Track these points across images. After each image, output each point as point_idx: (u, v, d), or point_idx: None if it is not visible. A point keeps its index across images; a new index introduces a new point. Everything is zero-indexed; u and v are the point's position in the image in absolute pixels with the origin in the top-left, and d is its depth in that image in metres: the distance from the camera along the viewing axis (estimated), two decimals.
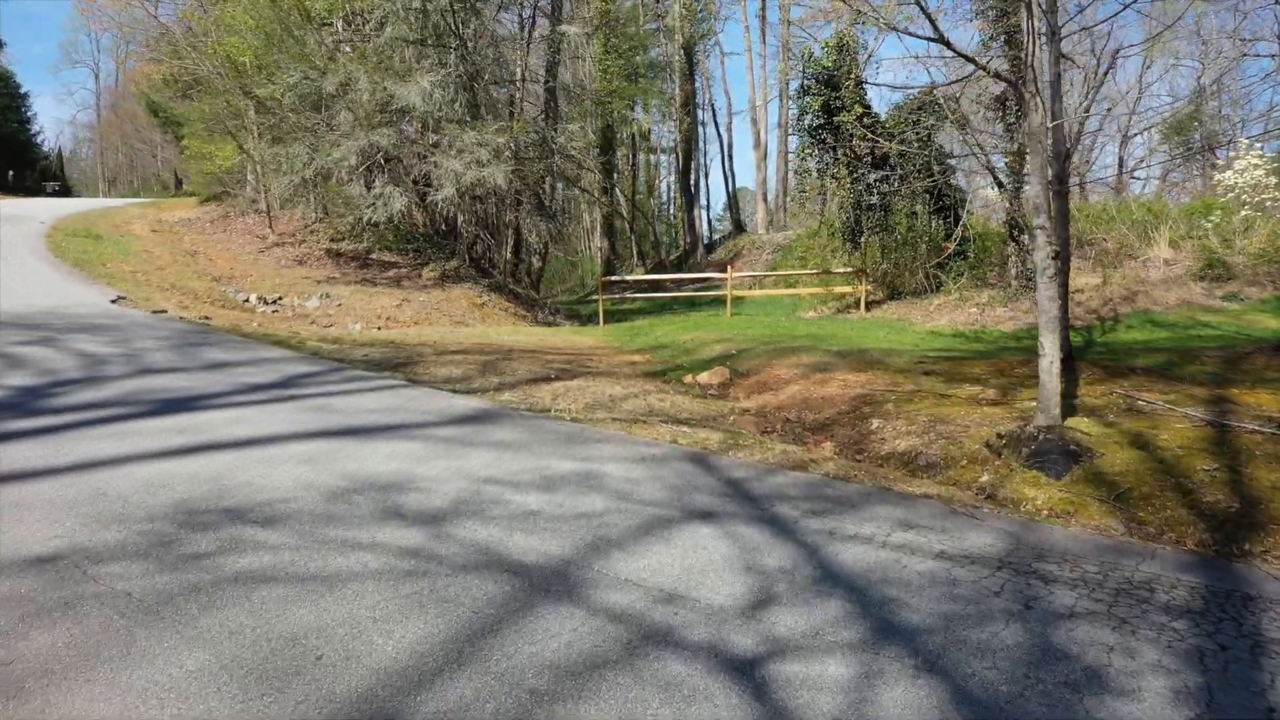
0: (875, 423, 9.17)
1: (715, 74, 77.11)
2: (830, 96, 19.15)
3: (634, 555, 4.41)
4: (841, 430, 9.31)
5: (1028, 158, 8.21)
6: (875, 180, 20.32)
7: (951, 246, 17.22)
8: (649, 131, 53.32)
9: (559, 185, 39.88)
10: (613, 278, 25.18)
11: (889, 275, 21.18)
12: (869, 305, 20.69)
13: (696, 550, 4.54)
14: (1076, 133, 11.01)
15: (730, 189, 41.84)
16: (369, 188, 18.00)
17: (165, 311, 12.33)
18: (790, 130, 45.97)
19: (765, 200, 44.72)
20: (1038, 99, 7.89)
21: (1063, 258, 10.98)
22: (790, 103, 47.33)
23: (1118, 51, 10.59)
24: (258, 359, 9.04)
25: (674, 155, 53.02)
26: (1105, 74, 10.70)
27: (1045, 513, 6.70)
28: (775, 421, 9.59)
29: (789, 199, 40.32)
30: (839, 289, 21.16)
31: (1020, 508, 6.74)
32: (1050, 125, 9.00)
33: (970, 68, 15.41)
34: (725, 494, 5.61)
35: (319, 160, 17.89)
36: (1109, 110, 31.93)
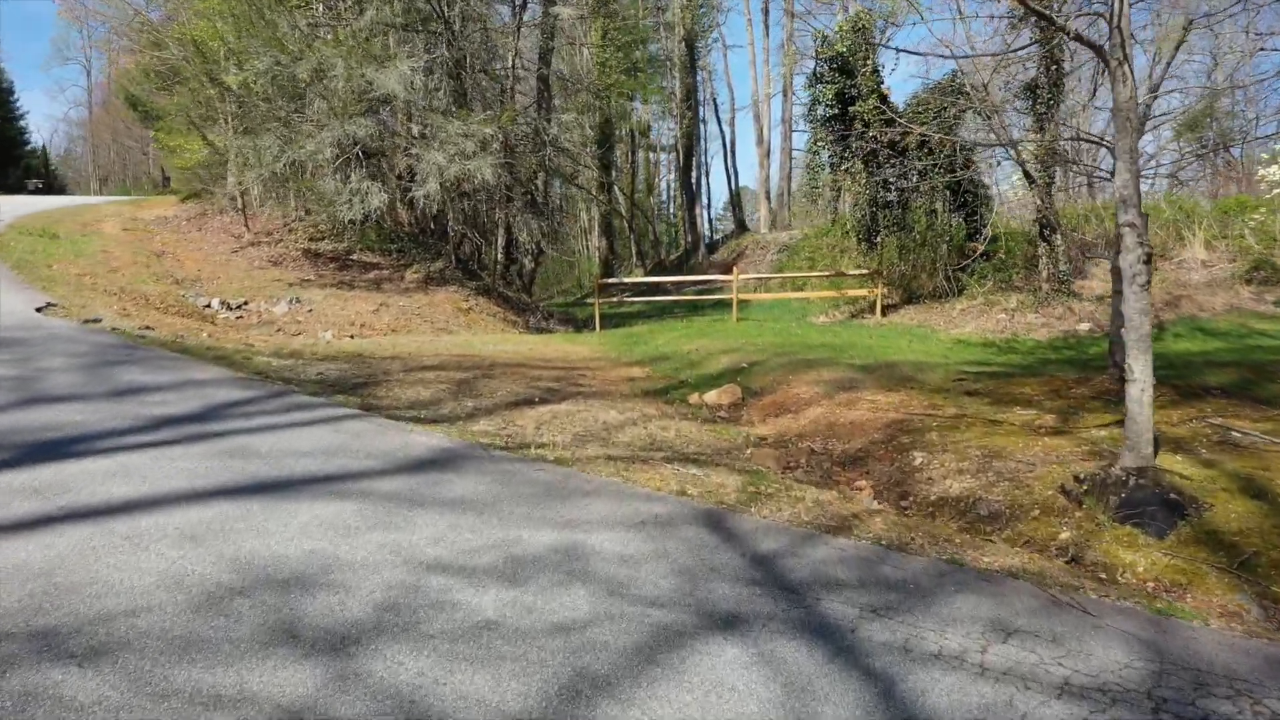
0: (918, 456, 7.74)
1: (717, 68, 75.71)
2: (845, 84, 17.72)
3: (631, 704, 2.99)
4: (878, 465, 7.88)
5: (1113, 137, 6.73)
6: (892, 175, 18.89)
7: (981, 247, 15.84)
8: (648, 128, 51.87)
9: (556, 182, 38.48)
10: (610, 280, 23.60)
11: (906, 277, 19.75)
12: (885, 309, 19.26)
13: (722, 693, 3.11)
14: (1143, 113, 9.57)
15: (733, 186, 40.46)
16: (346, 183, 16.59)
17: (99, 321, 10.89)
18: (795, 126, 44.56)
19: (768, 198, 43.27)
20: (1125, 68, 6.45)
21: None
22: (795, 97, 45.91)
23: (1190, 23, 9.15)
24: (184, 381, 7.60)
25: (674, 152, 51.56)
26: (1178, 46, 9.25)
27: (1151, 584, 5.30)
28: (798, 454, 8.15)
29: (796, 195, 38.94)
30: (852, 292, 19.72)
31: (1118, 577, 5.33)
32: (1145, 98, 7.56)
33: (1011, 45, 13.99)
34: (754, 581, 4.18)
35: (291, 153, 16.46)
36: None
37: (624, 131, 47.69)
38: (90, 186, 73.71)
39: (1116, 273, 9.66)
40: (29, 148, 62.78)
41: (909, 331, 17.04)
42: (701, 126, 40.85)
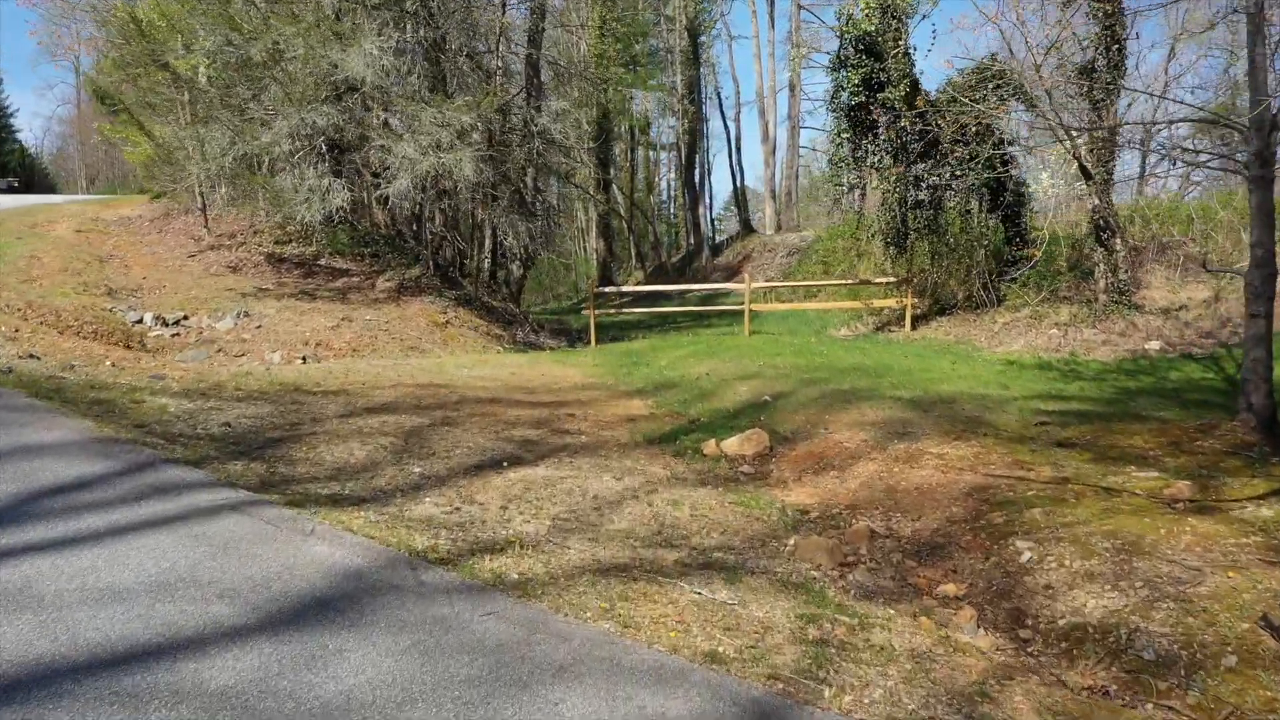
0: (1023, 548, 5.65)
1: (721, 61, 73.25)
2: (873, 68, 15.62)
3: None
4: (967, 558, 5.78)
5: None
6: (926, 171, 16.80)
7: (1038, 253, 13.79)
8: (648, 124, 49.78)
9: (554, 182, 36.34)
10: (607, 289, 21.51)
11: (937, 286, 17.67)
12: (914, 321, 17.18)
13: None
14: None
15: (737, 185, 38.31)
16: (304, 179, 14.51)
17: None
18: (802, 123, 42.46)
19: (774, 198, 41.17)
20: None
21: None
22: (803, 92, 43.84)
23: None
24: (11, 448, 5.50)
25: (675, 150, 49.43)
26: None
27: None
28: (855, 539, 6.06)
29: (814, 193, 36.88)
30: (879, 302, 17.63)
31: None
32: None
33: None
34: None
35: (242, 145, 14.38)
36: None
37: (623, 128, 45.62)
38: (79, 185, 71.64)
39: (1252, 291, 7.60)
40: (16, 146, 60.81)
41: (948, 349, 14.95)
42: (705, 123, 38.72)
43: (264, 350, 12.35)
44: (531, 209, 18.37)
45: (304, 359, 12.21)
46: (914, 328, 17.19)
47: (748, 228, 36.74)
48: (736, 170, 37.48)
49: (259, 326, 13.16)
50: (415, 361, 12.26)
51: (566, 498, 5.98)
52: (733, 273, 32.29)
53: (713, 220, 44.89)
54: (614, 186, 40.85)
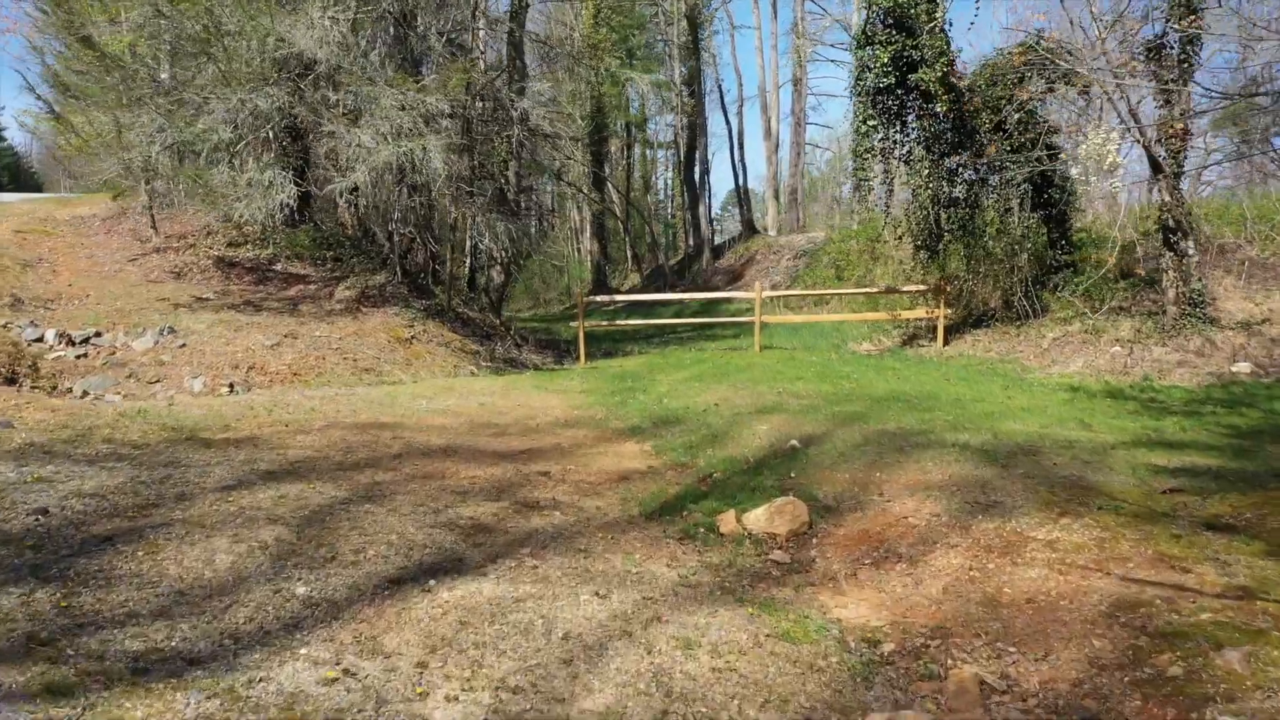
0: None
1: (722, 53, 71.07)
2: (904, 45, 13.53)
3: None
4: None
5: None
6: (963, 164, 14.77)
7: (1112, 257, 11.65)
8: (645, 120, 47.70)
9: (545, 181, 34.21)
10: (598, 296, 19.34)
11: (973, 294, 15.62)
12: (946, 334, 15.14)
13: None
14: None
15: (740, 183, 36.21)
16: (243, 171, 12.42)
17: None
18: (806, 119, 40.41)
19: (776, 198, 39.12)
20: None
21: None
22: (807, 87, 41.78)
23: None
24: None
25: (673, 148, 47.30)
26: None
27: None
28: (963, 701, 3.99)
29: (808, 193, 34.85)
30: (909, 314, 15.56)
31: None
32: None
33: None
34: None
35: (173, 132, 12.29)
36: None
37: (619, 125, 43.51)
38: (61, 184, 69.36)
39: None
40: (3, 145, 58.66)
41: (993, 370, 12.90)
42: (705, 117, 36.64)
43: (184, 376, 10.26)
44: (515, 207, 16.29)
45: (230, 387, 10.12)
46: (946, 342, 15.15)
47: (751, 228, 34.67)
48: (739, 167, 35.31)
49: (183, 345, 11.07)
50: (361, 392, 10.17)
51: (522, 642, 3.91)
52: (735, 276, 30.24)
53: (711, 221, 42.81)
54: (609, 184, 38.75)
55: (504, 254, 15.37)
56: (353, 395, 9.78)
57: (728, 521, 6.04)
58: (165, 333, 11.37)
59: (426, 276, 15.97)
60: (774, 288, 25.75)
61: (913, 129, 14.58)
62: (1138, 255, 15.99)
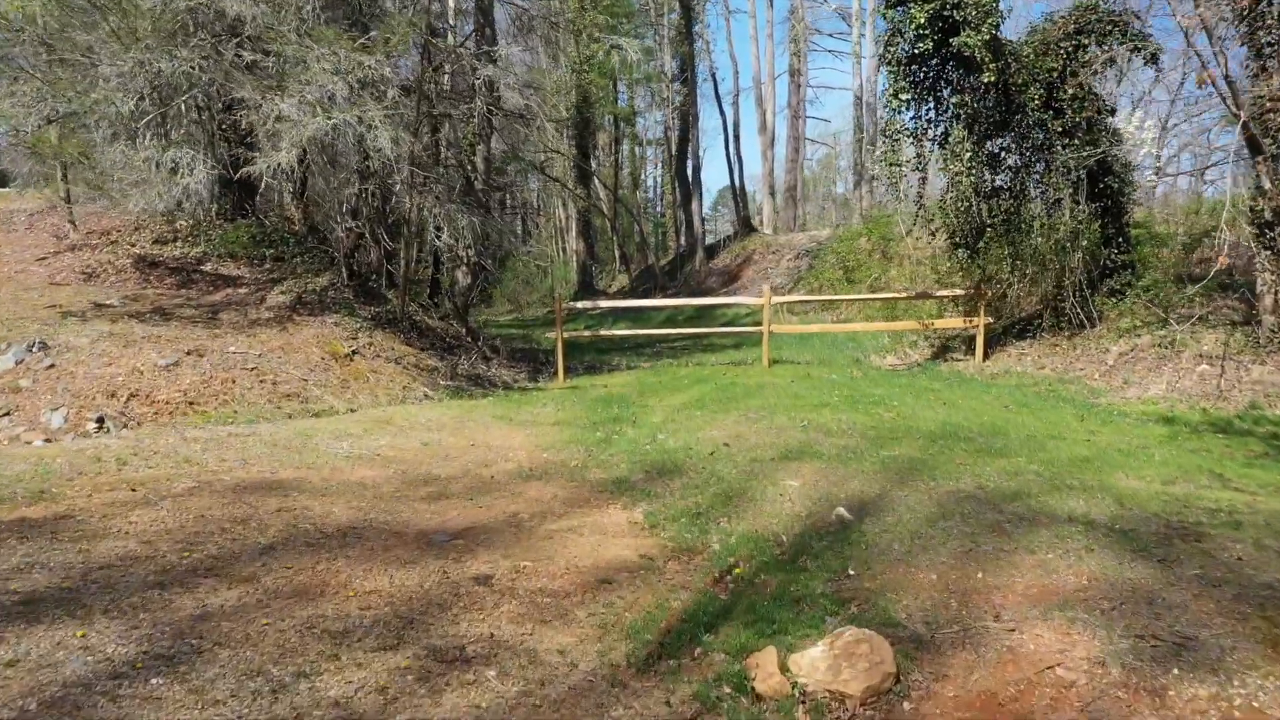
0: None
1: (717, 41, 69.01)
2: (944, 3, 11.29)
3: None
4: None
5: None
6: (1004, 147, 12.62)
7: (1226, 259, 9.46)
8: (633, 113, 45.44)
9: (529, 173, 31.87)
10: (579, 303, 16.98)
11: (1017, 300, 13.46)
12: (986, 346, 12.97)
13: None
14: None
15: (736, 178, 33.93)
16: (140, 149, 10.13)
17: None
18: (804, 111, 38.20)
19: (772, 194, 36.96)
20: None
21: None
22: (805, 78, 39.56)
23: None
24: None
25: (663, 145, 45.03)
26: None
27: None
28: None
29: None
30: (944, 323, 13.36)
31: None
32: None
33: None
34: None
35: (56, 103, 9.99)
36: None
37: (606, 120, 41.21)
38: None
39: None
40: None
41: (1054, 392, 10.72)
42: (698, 108, 34.38)
43: (40, 408, 7.98)
44: (483, 199, 14.02)
45: (99, 422, 7.83)
46: (986, 355, 12.97)
47: (747, 226, 32.45)
48: (734, 161, 33.14)
49: (51, 366, 8.76)
50: (269, 429, 7.88)
51: None
52: (731, 278, 28.04)
53: (703, 219, 40.53)
54: (595, 179, 36.47)
55: (469, 252, 13.07)
56: (252, 436, 7.49)
57: (766, 669, 3.81)
58: (34, 349, 9.06)
59: (379, 279, 13.69)
60: (776, 291, 23.56)
61: (948, 106, 12.38)
62: (1207, 254, 13.91)
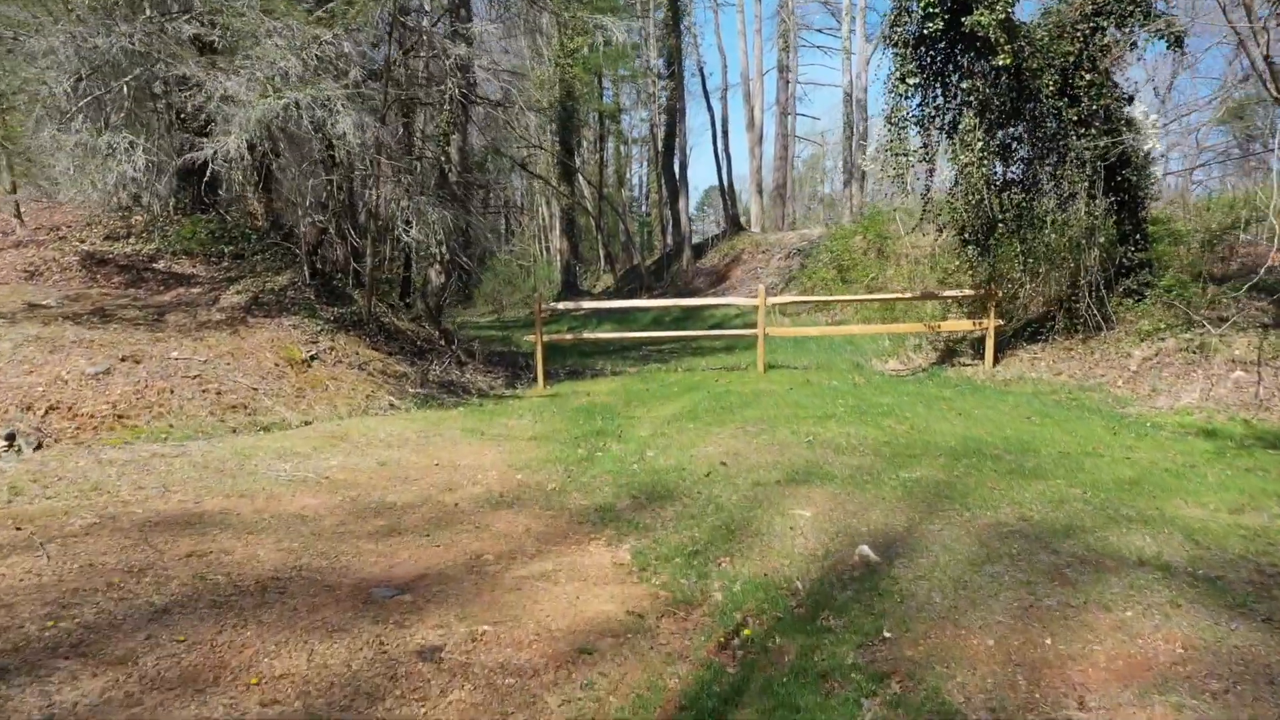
0: None
1: (705, 33, 67.84)
2: None
3: None
4: None
5: None
6: (1016, 137, 11.78)
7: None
8: (619, 111, 44.54)
9: (510, 169, 30.87)
10: (560, 305, 16.01)
11: (1029, 301, 12.64)
12: (995, 351, 12.13)
13: None
14: None
15: (724, 176, 33.02)
16: (73, 133, 9.13)
17: None
18: (793, 109, 37.33)
19: (760, 193, 36.06)
20: None
21: None
22: (791, 74, 38.69)
23: None
24: None
25: (649, 143, 44.10)
26: None
27: None
28: None
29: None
30: (952, 326, 12.51)
31: None
32: None
33: None
34: None
35: None
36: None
37: (591, 117, 40.28)
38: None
39: None
40: None
41: (1077, 401, 9.87)
42: (685, 102, 33.46)
43: None
44: (457, 191, 13.05)
45: (10, 439, 6.86)
46: (996, 360, 12.13)
47: (736, 225, 31.57)
48: (722, 158, 32.18)
49: None
50: (202, 448, 6.92)
51: None
52: (719, 278, 27.16)
53: (690, 217, 39.62)
54: (579, 177, 35.51)
55: (442, 249, 12.10)
56: (181, 456, 6.53)
57: None
58: None
59: (345, 278, 12.71)
60: (768, 291, 22.66)
61: (955, 92, 11.52)
62: (1222, 252, 13.15)
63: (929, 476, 6.30)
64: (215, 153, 8.82)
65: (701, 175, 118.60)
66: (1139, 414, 9.16)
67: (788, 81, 36.88)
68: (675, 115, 31.18)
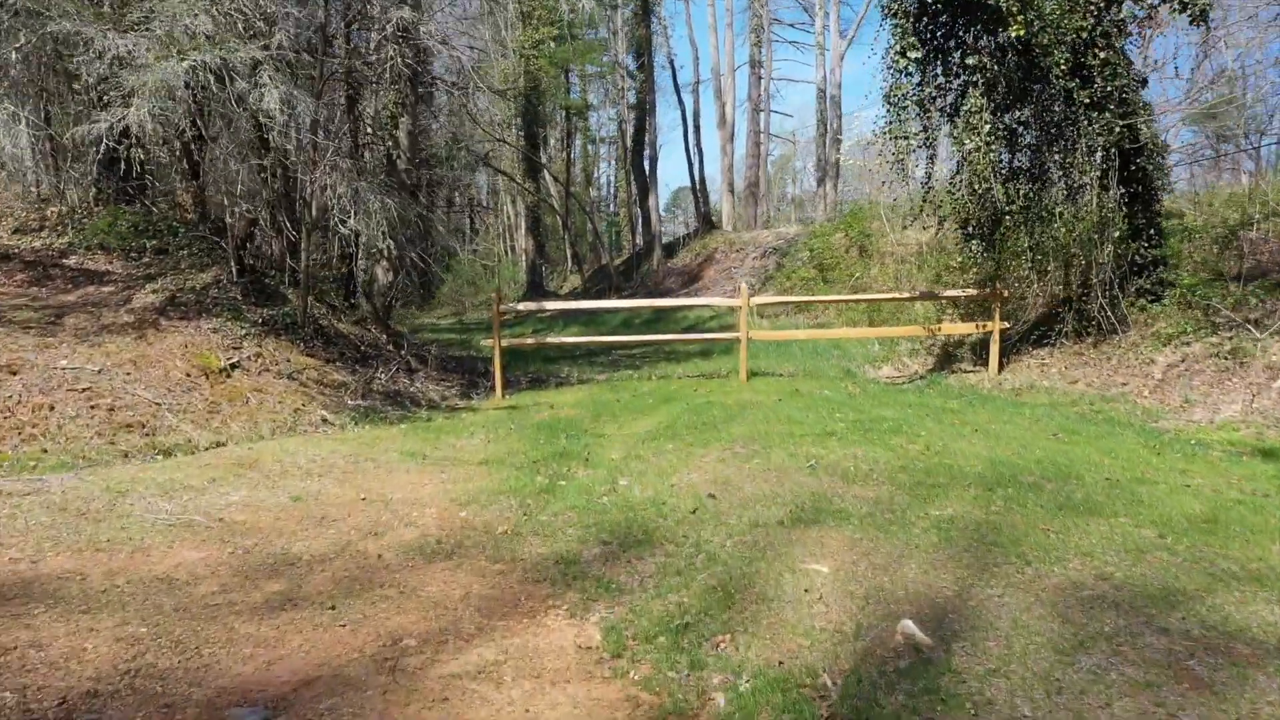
0: None
1: (676, 24, 66.63)
2: None
3: None
4: None
5: None
6: (1023, 120, 10.72)
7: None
8: (587, 107, 43.26)
9: (470, 162, 29.48)
10: (520, 305, 14.55)
11: (1036, 300, 11.60)
12: (1000, 356, 11.07)
13: None
14: None
15: (696, 173, 31.83)
16: None
17: None
18: (766, 105, 36.25)
19: (732, 192, 34.96)
20: None
21: None
22: (765, 70, 37.62)
23: None
24: None
25: (616, 141, 42.90)
26: None
27: None
28: None
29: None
30: (951, 328, 11.42)
31: None
32: None
33: None
34: None
35: None
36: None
37: (558, 114, 38.97)
38: None
39: None
40: None
41: (1102, 414, 8.80)
42: (655, 95, 32.30)
43: None
44: (406, 180, 11.75)
45: None
46: (1001, 366, 11.07)
47: (708, 223, 30.45)
48: (694, 153, 31.10)
49: None
50: (69, 482, 5.60)
51: None
52: (691, 277, 26.02)
53: (660, 215, 38.40)
54: (546, 174, 34.21)
55: (390, 244, 10.79)
56: (35, 494, 5.22)
57: None
58: None
59: (281, 275, 11.36)
60: (734, 292, 21.55)
61: (958, 70, 10.43)
62: (1235, 249, 12.22)
63: (965, 514, 5.15)
64: (111, 127, 7.47)
65: (670, 175, 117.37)
66: (1176, 429, 8.10)
67: (760, 77, 35.89)
68: (645, 109, 30.02)
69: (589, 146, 49.58)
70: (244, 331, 9.55)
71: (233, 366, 8.76)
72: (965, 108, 10.10)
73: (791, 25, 38.15)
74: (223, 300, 10.14)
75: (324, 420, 8.56)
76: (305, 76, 9.47)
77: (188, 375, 8.23)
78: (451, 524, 5.35)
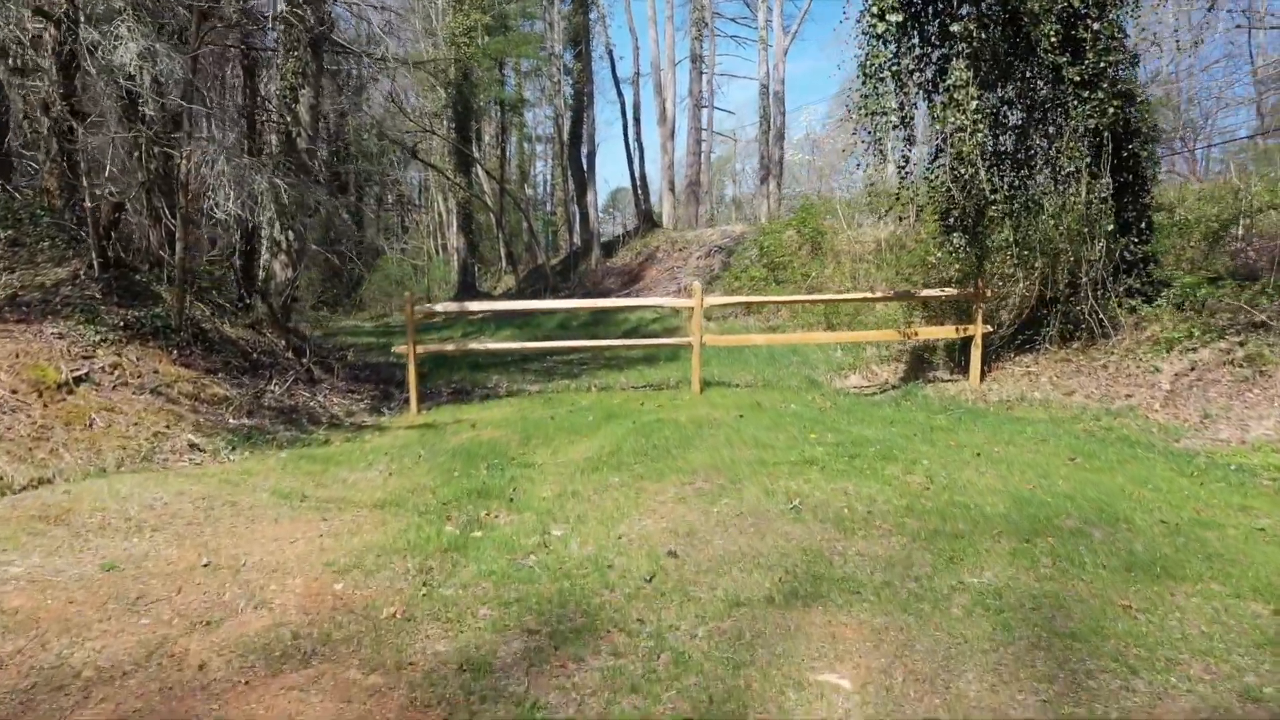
0: None
1: (615, 14, 65.04)
2: None
3: None
4: None
5: None
6: (1005, 100, 9.57)
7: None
8: (522, 101, 41.58)
9: (399, 157, 27.72)
10: (439, 306, 12.93)
11: (1022, 301, 10.46)
12: (977, 361, 9.91)
13: None
14: None
15: (637, 167, 30.41)
16: None
17: None
18: (708, 101, 35.04)
19: (672, 189, 33.67)
20: None
21: None
22: (705, 65, 36.50)
23: None
24: None
25: (552, 140, 41.35)
26: None
27: None
28: None
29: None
30: (930, 332, 10.23)
31: None
32: None
33: None
34: None
35: None
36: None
37: (492, 108, 37.22)
38: None
39: None
40: None
41: (1112, 432, 7.65)
42: (593, 84, 30.87)
43: None
44: (307, 159, 10.16)
45: None
46: (983, 374, 9.91)
47: (650, 221, 29.12)
48: (634, 148, 29.69)
49: None
50: None
51: None
52: (632, 278, 24.66)
53: (599, 213, 36.90)
54: (479, 169, 32.51)
55: (288, 233, 9.21)
56: None
57: None
58: None
59: (158, 271, 9.70)
60: (681, 292, 20.26)
61: (940, 40, 9.22)
62: (1228, 246, 11.35)
63: (1012, 583, 3.88)
64: None
65: (609, 174, 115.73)
66: (1205, 450, 6.96)
67: (701, 73, 34.72)
68: (583, 101, 28.59)
69: (525, 144, 47.90)
70: (99, 337, 7.89)
71: (78, 380, 7.12)
72: (948, 83, 8.90)
73: (733, 20, 37.15)
74: (75, 299, 8.44)
75: (191, 446, 6.98)
76: (176, 31, 7.87)
77: (14, 393, 6.58)
78: (320, 603, 3.89)
